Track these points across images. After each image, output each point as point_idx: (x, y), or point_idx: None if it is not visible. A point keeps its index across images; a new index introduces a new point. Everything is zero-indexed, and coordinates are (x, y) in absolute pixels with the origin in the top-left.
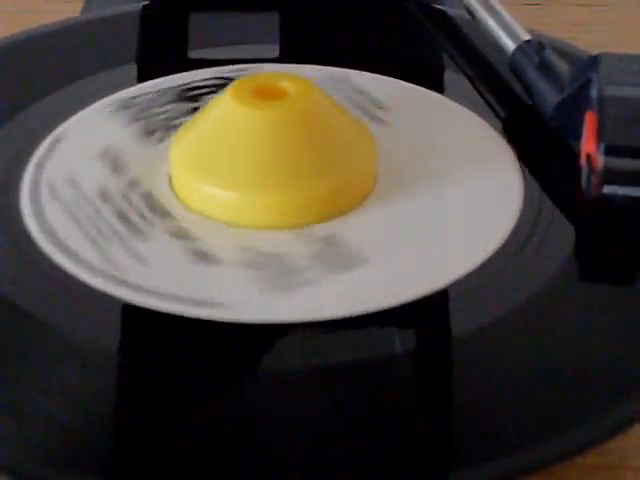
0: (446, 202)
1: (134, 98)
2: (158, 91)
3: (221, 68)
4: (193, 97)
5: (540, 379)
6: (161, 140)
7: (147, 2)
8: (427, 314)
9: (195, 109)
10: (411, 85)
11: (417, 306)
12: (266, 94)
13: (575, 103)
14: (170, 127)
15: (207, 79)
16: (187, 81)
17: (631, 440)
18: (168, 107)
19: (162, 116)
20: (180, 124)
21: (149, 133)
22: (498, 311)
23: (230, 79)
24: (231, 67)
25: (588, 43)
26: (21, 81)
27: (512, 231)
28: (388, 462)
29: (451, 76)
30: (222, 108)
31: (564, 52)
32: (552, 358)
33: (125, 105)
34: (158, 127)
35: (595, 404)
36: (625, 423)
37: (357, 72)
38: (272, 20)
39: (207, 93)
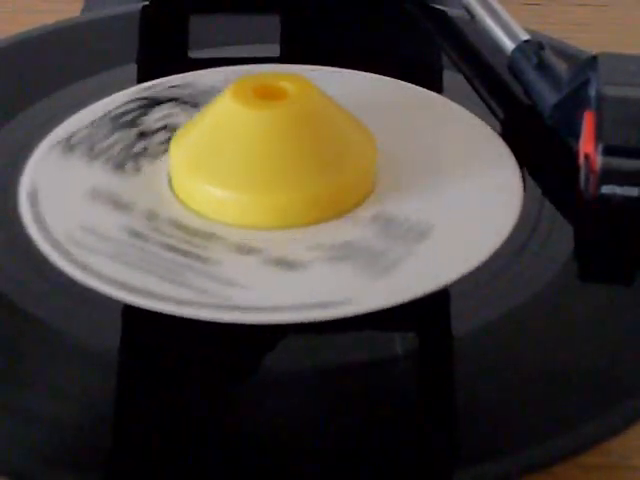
0: (446, 202)
1: (70, 137)
2: (91, 124)
3: (138, 87)
4: (130, 122)
5: (540, 379)
6: (137, 169)
7: (147, 2)
8: (427, 314)
9: (142, 133)
10: (410, 85)
11: (417, 306)
12: (266, 94)
13: (574, 103)
14: (135, 155)
15: (127, 102)
16: (109, 108)
17: (631, 440)
18: (114, 137)
19: (117, 148)
20: (141, 150)
21: (119, 166)
22: (498, 311)
23: (146, 98)
24: (144, 85)
25: (588, 43)
26: (21, 81)
27: (511, 231)
28: (388, 462)
29: (450, 76)
30: (222, 108)
31: (564, 52)
32: (552, 358)
33: (68, 146)
34: (123, 159)
35: (595, 404)
36: (625, 423)
37: (357, 72)
38: (272, 20)
39: (138, 116)
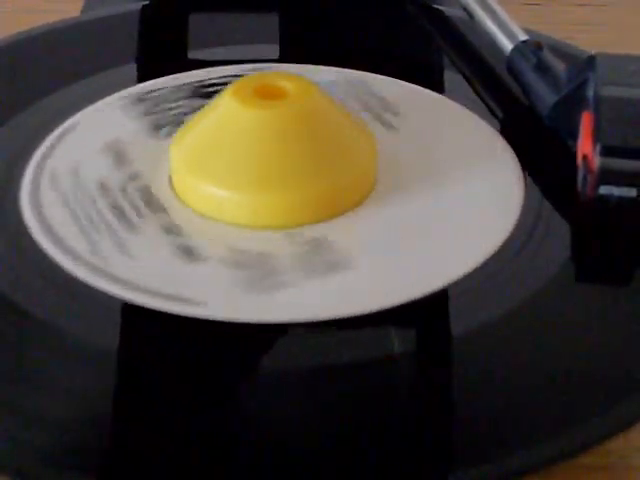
0: (446, 202)
1: (150, 92)
2: (175, 87)
3: (240, 66)
4: (208, 94)
5: (540, 379)
6: (169, 134)
7: (147, 2)
8: (427, 314)
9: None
10: (410, 85)
11: (417, 306)
12: (266, 94)
13: (572, 103)
14: (179, 123)
15: (225, 76)
16: (204, 77)
17: (631, 440)
18: (181, 102)
19: (173, 111)
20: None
21: (157, 128)
22: (498, 311)
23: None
24: (248, 66)
25: (588, 43)
26: (21, 81)
27: (511, 231)
28: (388, 462)
29: (449, 76)
30: (222, 108)
31: (563, 52)
32: (552, 358)
33: (140, 98)
34: (167, 122)
35: (595, 404)
36: (625, 423)
37: (357, 72)
38: (273, 20)
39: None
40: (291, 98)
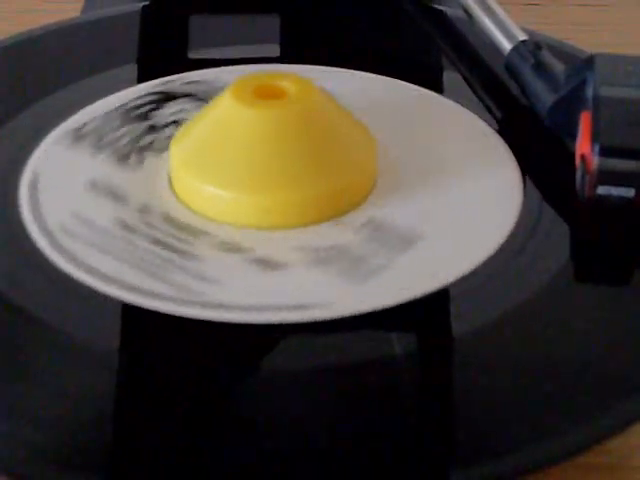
0: (445, 202)
1: (81, 128)
2: (104, 115)
3: (155, 81)
4: (140, 116)
5: (540, 379)
6: (140, 162)
7: (147, 2)
8: (427, 314)
9: (152, 127)
10: (410, 85)
11: (417, 306)
12: (266, 94)
13: (570, 103)
14: (140, 148)
15: (141, 97)
16: (124, 101)
17: (631, 440)
18: (124, 130)
19: (124, 140)
20: (147, 144)
21: (123, 159)
22: (498, 311)
23: (162, 92)
24: (161, 79)
25: (588, 43)
26: (21, 81)
27: (510, 231)
28: (386, 462)
29: (449, 76)
30: (222, 108)
31: (563, 52)
32: (552, 358)
33: (78, 136)
34: (129, 151)
35: (595, 404)
36: (625, 423)
37: (357, 72)
38: (272, 20)
39: (150, 110)
40: (291, 98)
